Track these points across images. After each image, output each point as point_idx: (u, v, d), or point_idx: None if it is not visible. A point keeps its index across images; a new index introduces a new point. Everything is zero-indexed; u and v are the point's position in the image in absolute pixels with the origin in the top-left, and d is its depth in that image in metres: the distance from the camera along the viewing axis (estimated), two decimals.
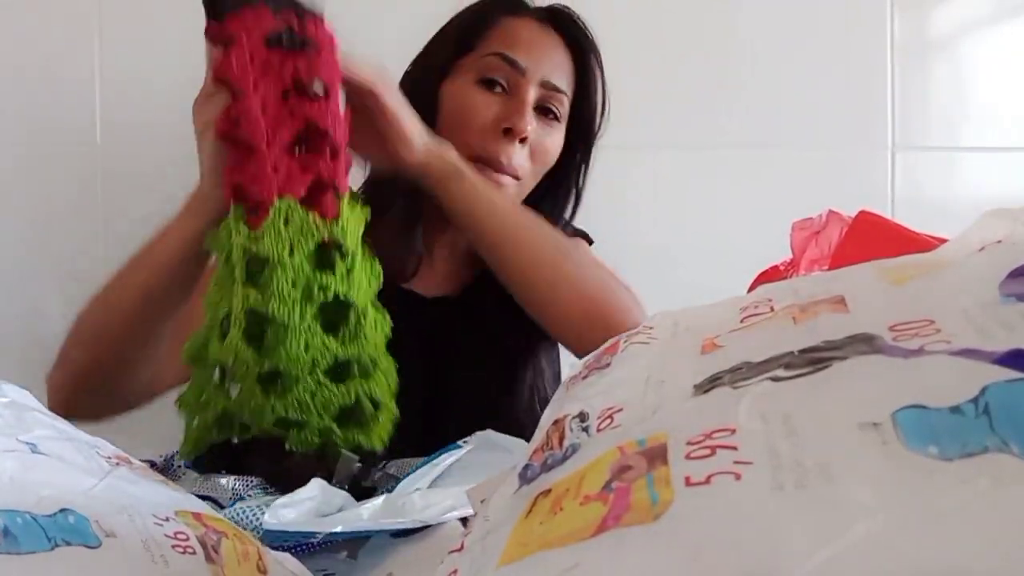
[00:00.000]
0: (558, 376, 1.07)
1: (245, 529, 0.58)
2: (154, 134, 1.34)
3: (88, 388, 0.86)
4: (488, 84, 0.95)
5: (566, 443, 0.33)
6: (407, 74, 1.01)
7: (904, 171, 1.66)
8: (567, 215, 1.07)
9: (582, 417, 0.34)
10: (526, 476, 0.34)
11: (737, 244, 1.37)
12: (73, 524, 0.36)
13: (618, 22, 1.50)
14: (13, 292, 1.31)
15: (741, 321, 0.36)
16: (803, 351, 0.30)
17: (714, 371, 0.31)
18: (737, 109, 1.57)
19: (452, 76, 0.97)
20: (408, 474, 0.71)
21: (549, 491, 0.30)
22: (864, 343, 0.29)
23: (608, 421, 0.32)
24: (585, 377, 0.39)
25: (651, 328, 0.40)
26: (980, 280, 0.30)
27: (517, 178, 0.96)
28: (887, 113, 1.65)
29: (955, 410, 0.24)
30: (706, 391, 0.30)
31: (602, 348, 0.41)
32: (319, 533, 0.56)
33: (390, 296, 0.79)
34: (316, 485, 0.63)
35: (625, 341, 0.40)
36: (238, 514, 0.60)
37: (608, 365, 0.38)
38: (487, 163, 0.93)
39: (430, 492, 0.64)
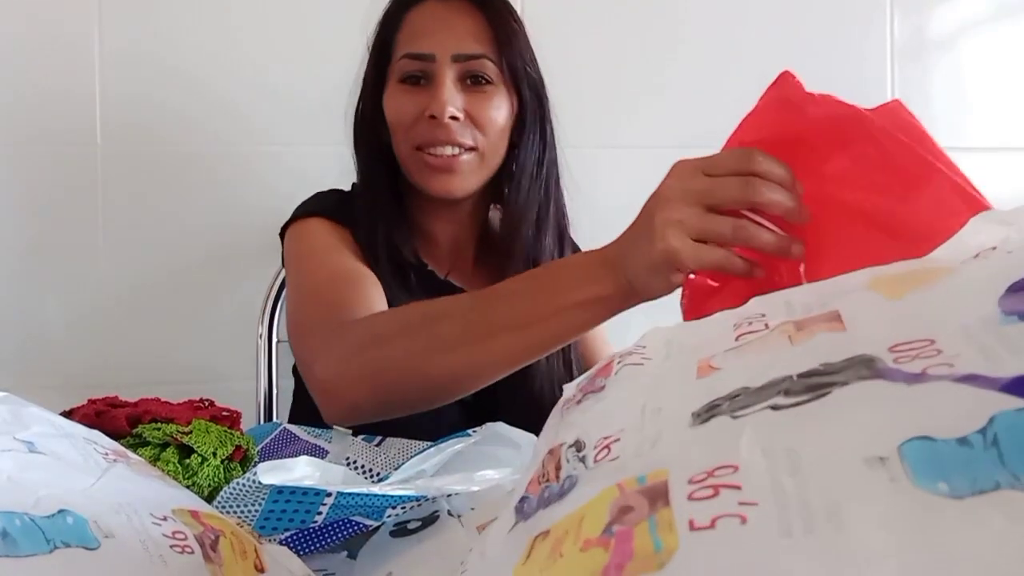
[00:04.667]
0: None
1: (248, 506, 0.58)
2: (154, 134, 1.34)
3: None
4: (410, 81, 0.99)
5: (563, 474, 0.32)
6: (359, 93, 1.08)
7: None
8: (549, 162, 1.07)
9: (578, 446, 0.33)
10: (523, 510, 0.33)
11: None
12: (72, 525, 0.36)
13: (617, 19, 1.50)
14: (13, 292, 1.30)
15: (736, 339, 0.35)
16: (802, 375, 0.29)
17: (712, 397, 0.30)
18: (736, 109, 1.56)
19: (386, 86, 1.03)
20: (414, 455, 0.72)
21: (548, 532, 0.29)
22: (864, 366, 0.28)
23: (605, 452, 0.31)
24: (579, 402, 0.38)
25: (644, 347, 0.39)
26: (979, 294, 0.29)
27: (472, 149, 1.00)
28: None
29: (963, 441, 0.23)
30: (705, 421, 0.29)
31: (595, 369, 0.40)
32: (323, 491, 0.57)
33: (409, 269, 1.01)
34: (311, 463, 0.63)
35: (618, 362, 0.38)
36: (236, 487, 0.60)
37: (602, 388, 0.37)
38: (424, 147, 0.99)
39: (434, 479, 0.65)
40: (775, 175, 0.61)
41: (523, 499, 0.33)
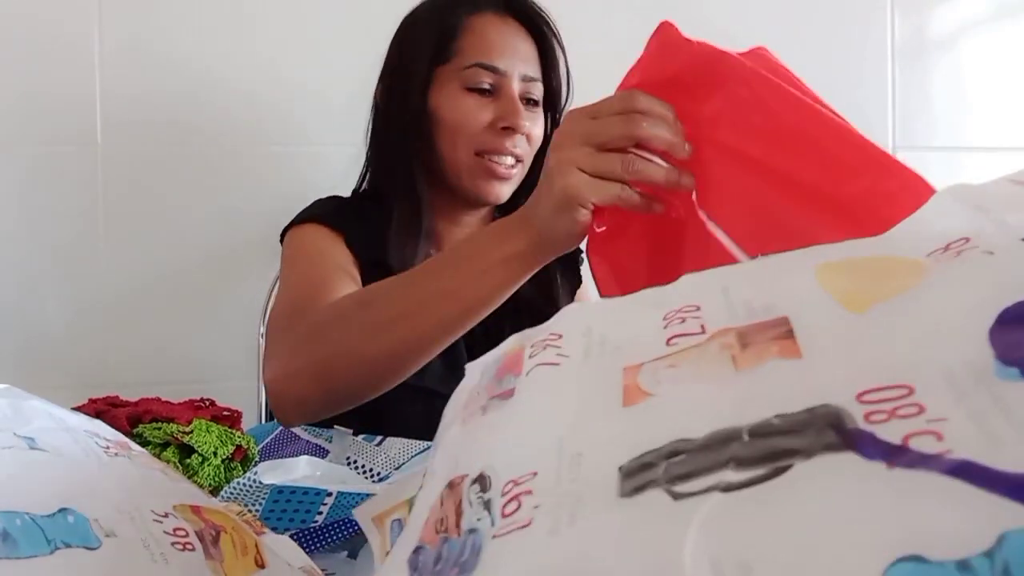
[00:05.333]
0: None
1: (248, 505, 0.58)
2: (154, 134, 1.34)
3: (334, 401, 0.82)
4: (478, 90, 1.04)
5: (464, 524, 0.28)
6: (384, 87, 1.09)
7: None
8: None
9: (482, 483, 0.28)
10: (416, 567, 0.28)
11: None
12: (73, 524, 0.36)
13: (617, 19, 1.50)
14: (13, 292, 1.30)
15: (668, 342, 0.30)
16: (754, 432, 0.24)
17: (643, 449, 0.25)
18: None
19: (436, 85, 1.05)
20: (414, 455, 0.71)
21: None
22: (829, 427, 0.23)
23: (515, 505, 0.26)
24: (485, 409, 0.33)
25: (559, 336, 0.34)
26: (962, 320, 0.25)
27: (520, 161, 1.06)
28: (887, 113, 1.65)
29: (964, 567, 0.19)
30: (636, 490, 0.24)
31: (504, 359, 0.34)
32: (324, 491, 0.57)
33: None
34: (311, 463, 0.63)
35: (530, 357, 0.33)
36: (237, 487, 0.60)
37: (511, 393, 0.32)
38: (487, 153, 1.03)
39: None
40: (656, 112, 0.65)
41: (418, 549, 0.29)
